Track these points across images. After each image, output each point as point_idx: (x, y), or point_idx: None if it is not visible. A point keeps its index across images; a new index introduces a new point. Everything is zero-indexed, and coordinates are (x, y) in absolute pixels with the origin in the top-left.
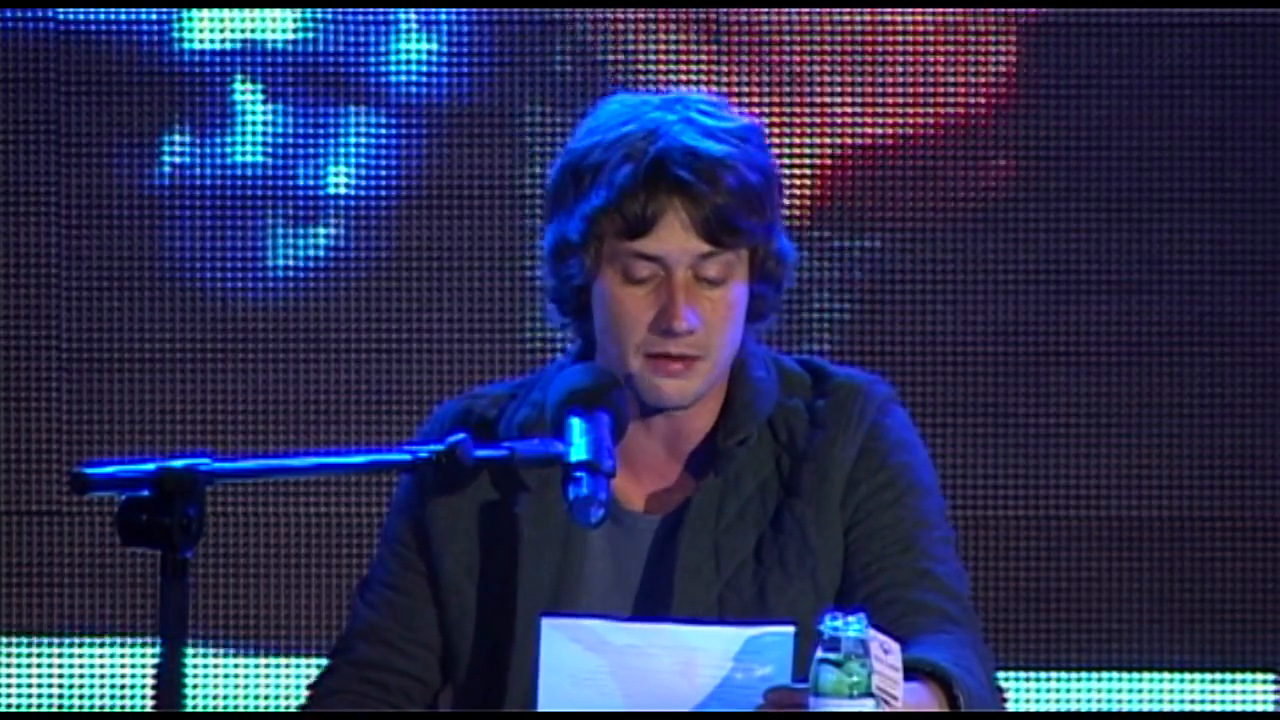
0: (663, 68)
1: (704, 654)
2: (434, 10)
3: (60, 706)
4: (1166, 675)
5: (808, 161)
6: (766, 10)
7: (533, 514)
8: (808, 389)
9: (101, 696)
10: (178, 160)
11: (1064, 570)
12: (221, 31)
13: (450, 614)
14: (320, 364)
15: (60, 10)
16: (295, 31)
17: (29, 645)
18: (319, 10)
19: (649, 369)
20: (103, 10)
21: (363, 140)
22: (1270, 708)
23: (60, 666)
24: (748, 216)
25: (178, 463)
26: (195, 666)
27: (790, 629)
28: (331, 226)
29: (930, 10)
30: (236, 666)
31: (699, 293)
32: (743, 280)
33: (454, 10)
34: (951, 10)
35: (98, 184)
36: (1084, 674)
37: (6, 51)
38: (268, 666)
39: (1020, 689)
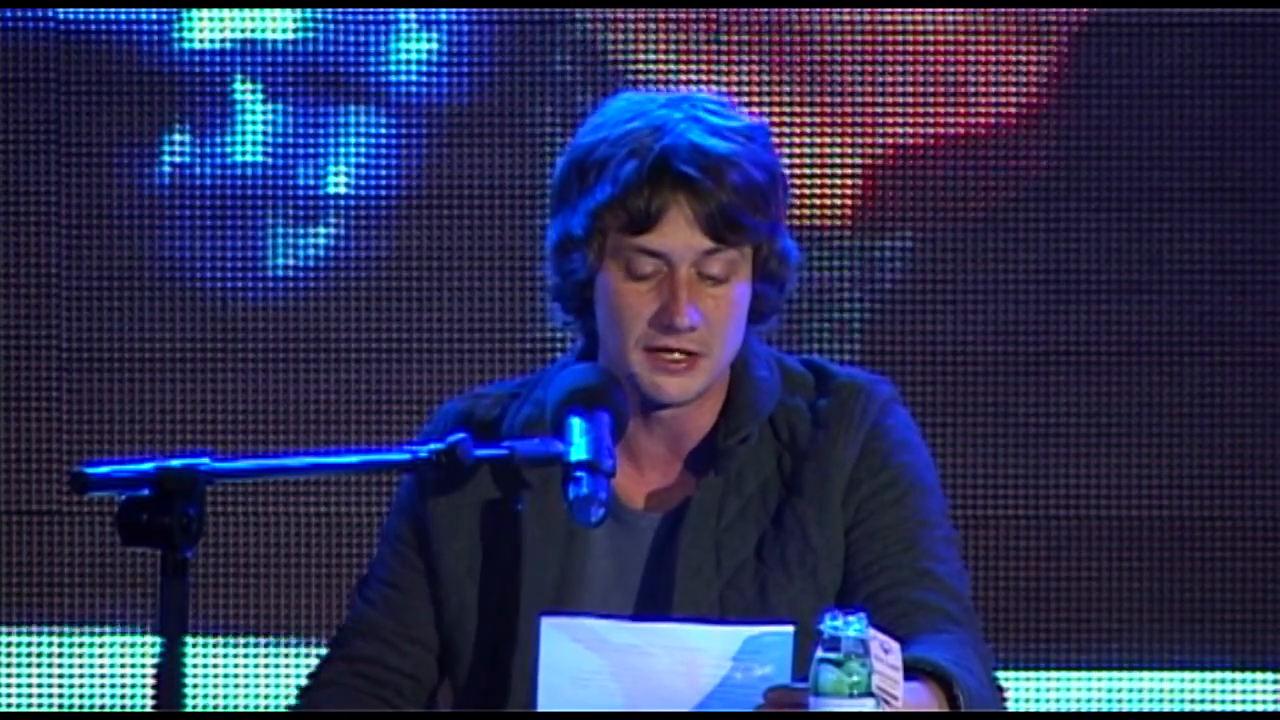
0: (664, 67)
1: (704, 653)
2: (434, 10)
3: (60, 705)
4: (1166, 674)
5: (808, 163)
6: (768, 10)
7: (534, 513)
8: (810, 388)
9: (102, 696)
10: (178, 160)
11: (1064, 570)
12: (221, 31)
13: (450, 612)
14: (320, 364)
15: (60, 10)
16: (295, 31)
17: (29, 644)
18: (319, 10)
19: (649, 365)
20: (103, 10)
21: (363, 140)
22: (1271, 707)
23: (60, 665)
24: (752, 214)
25: (178, 463)
26: (195, 665)
27: (790, 629)
28: (331, 226)
29: (931, 10)
30: (237, 666)
31: (701, 290)
32: (745, 279)
33: (454, 10)
34: (951, 10)
35: (98, 184)
36: (1084, 673)
37: (6, 51)
38: (268, 666)
39: (1020, 687)
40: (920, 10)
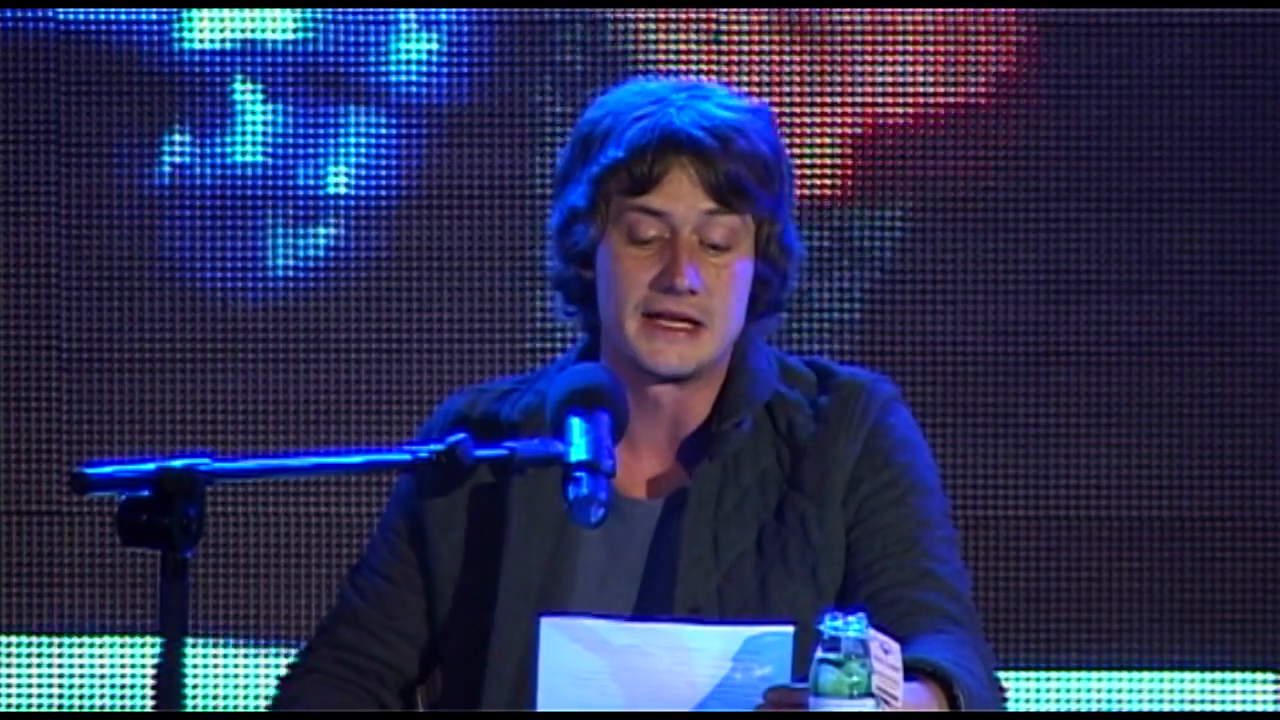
0: (663, 67)
1: (704, 654)
2: (434, 10)
3: (60, 706)
4: (1166, 674)
5: (808, 162)
6: (767, 10)
7: (524, 497)
8: (812, 386)
9: (101, 696)
10: (178, 160)
11: (1064, 570)
12: (221, 31)
13: (442, 604)
14: (320, 364)
15: (60, 10)
16: (295, 31)
17: (29, 644)
18: (319, 10)
19: (648, 332)
20: (103, 10)
21: (363, 140)
22: (1271, 707)
23: (60, 665)
24: (756, 183)
25: (178, 463)
26: (195, 666)
27: (789, 629)
28: (331, 226)
29: (930, 10)
30: (237, 666)
31: (703, 257)
32: (748, 255)
33: (454, 10)
34: (951, 10)
35: (98, 184)
36: (1084, 673)
37: (6, 51)
38: (268, 666)
39: (1021, 687)
40: (920, 10)
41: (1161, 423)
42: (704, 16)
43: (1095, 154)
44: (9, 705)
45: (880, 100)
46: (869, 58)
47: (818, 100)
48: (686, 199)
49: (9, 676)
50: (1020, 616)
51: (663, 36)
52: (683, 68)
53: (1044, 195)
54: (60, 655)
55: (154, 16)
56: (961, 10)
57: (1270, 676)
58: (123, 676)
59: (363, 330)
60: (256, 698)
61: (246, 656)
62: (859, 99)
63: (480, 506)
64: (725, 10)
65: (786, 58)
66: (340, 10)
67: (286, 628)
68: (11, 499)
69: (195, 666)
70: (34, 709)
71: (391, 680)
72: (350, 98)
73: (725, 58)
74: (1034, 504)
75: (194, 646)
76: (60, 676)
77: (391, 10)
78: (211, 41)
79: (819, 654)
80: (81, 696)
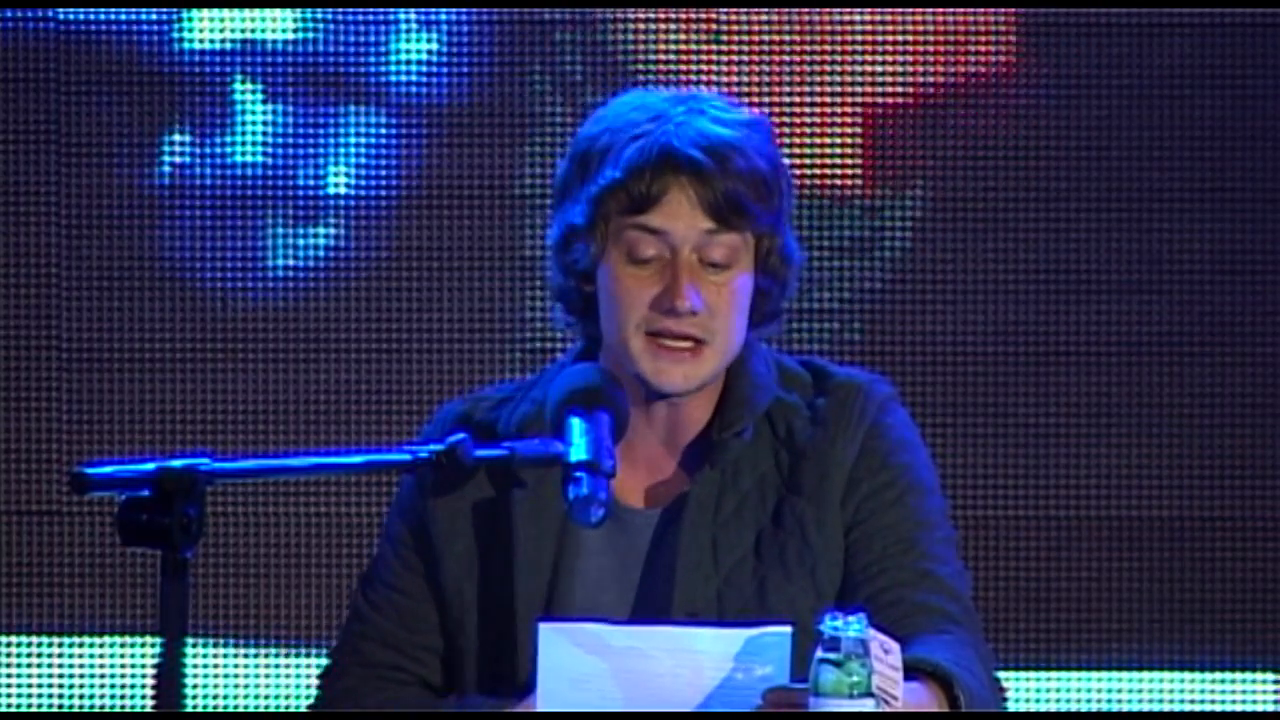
0: (663, 68)
1: (703, 655)
2: (434, 10)
3: (60, 706)
4: (1167, 674)
5: (807, 162)
6: (767, 10)
7: (527, 511)
8: (808, 387)
9: (101, 696)
10: (178, 160)
11: (1064, 570)
12: (221, 31)
13: (452, 614)
14: (320, 364)
15: (60, 10)
16: (295, 31)
17: (29, 644)
18: (319, 10)
19: (651, 351)
20: (103, 10)
21: (363, 140)
22: (1271, 707)
23: (60, 665)
24: (755, 200)
25: (178, 463)
26: (195, 666)
27: (788, 629)
28: (331, 226)
29: (931, 10)
30: (237, 666)
31: (703, 276)
32: (747, 270)
33: (454, 10)
34: (952, 10)
35: (98, 184)
36: (1084, 673)
37: (6, 51)
38: (268, 666)
39: (1021, 687)
40: (920, 10)
41: (1161, 423)
42: (704, 16)
43: (1095, 154)
44: (9, 704)
45: (880, 101)
46: (868, 58)
47: (817, 101)
48: (685, 218)
49: (9, 676)
50: (1020, 616)
51: (663, 37)
52: (683, 68)
53: (1044, 195)
54: (60, 655)
55: (154, 16)
56: (961, 10)
57: (1270, 676)
58: (123, 676)
59: (363, 330)
60: (256, 698)
61: (246, 656)
62: (858, 99)
63: (483, 520)
64: (725, 10)
65: (786, 58)
66: (340, 10)
67: (287, 628)
68: (11, 499)
69: (195, 666)
70: (34, 708)
71: (426, 698)
72: (350, 98)
73: (725, 58)
74: (1034, 504)
75: (194, 646)
76: (60, 676)
77: (391, 10)
78: (211, 41)
79: (819, 654)
80: (81, 696)
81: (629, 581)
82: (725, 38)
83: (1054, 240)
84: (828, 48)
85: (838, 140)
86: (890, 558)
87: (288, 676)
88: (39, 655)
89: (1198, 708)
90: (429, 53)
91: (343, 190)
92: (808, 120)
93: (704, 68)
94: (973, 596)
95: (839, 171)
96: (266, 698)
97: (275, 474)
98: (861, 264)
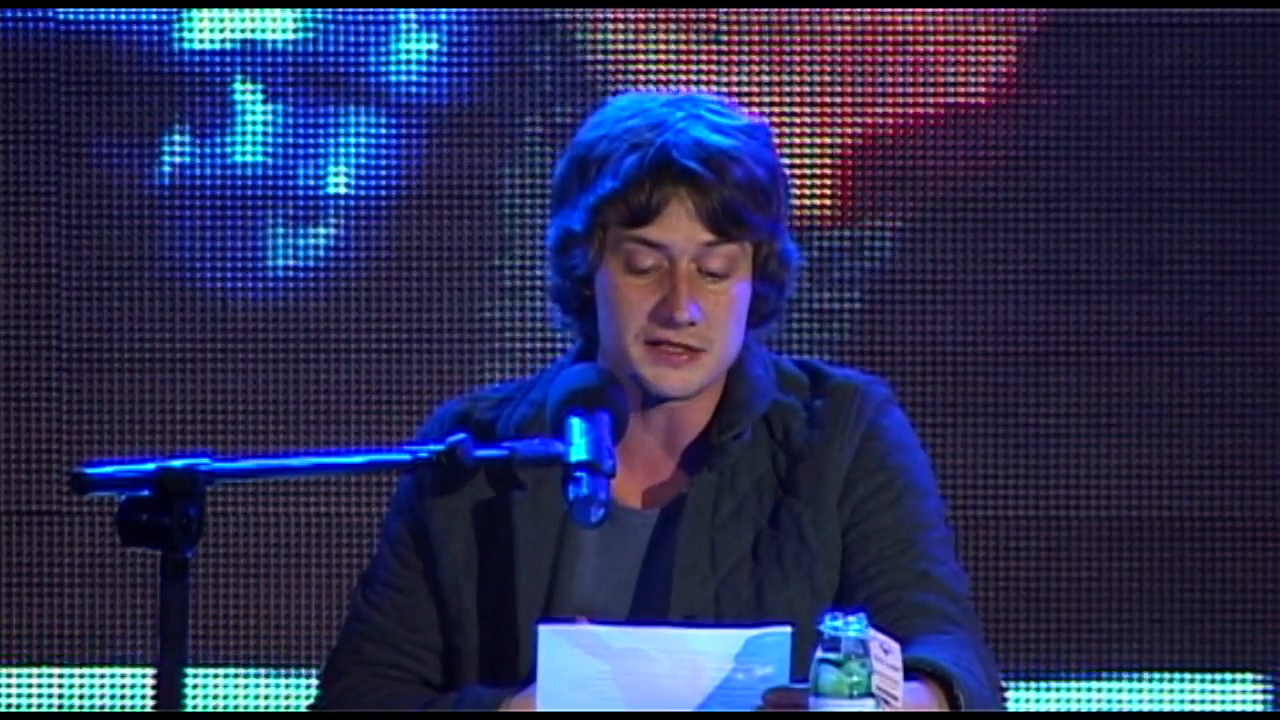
0: (663, 68)
1: (703, 656)
2: (434, 10)
3: (60, 706)
4: (1165, 676)
5: (808, 162)
6: (767, 10)
7: (527, 512)
8: (805, 389)
9: (101, 696)
10: (178, 160)
11: (1064, 570)
12: (221, 31)
13: (450, 613)
14: (320, 364)
15: (60, 10)
16: (295, 31)
17: (29, 645)
18: (319, 10)
19: (650, 358)
20: (103, 10)
21: (363, 140)
22: (1266, 708)
23: (60, 666)
24: (753, 210)
25: (178, 463)
26: (195, 665)
27: (788, 629)
28: (331, 226)
29: (930, 10)
30: (236, 665)
31: (702, 286)
32: (746, 277)
33: (454, 10)
34: (952, 10)
35: (98, 184)
36: (1083, 673)
37: (6, 51)
38: (267, 665)
39: (1020, 687)
40: (920, 10)
41: (1161, 423)
42: (704, 16)
43: (1095, 154)
44: (9, 704)
45: (879, 100)
46: (868, 57)
47: (816, 101)
48: (684, 230)
49: (9, 675)
50: (1020, 617)
51: (663, 36)
52: (683, 68)
53: (1044, 195)
54: (60, 655)
55: (154, 16)
56: (961, 10)
57: (1270, 677)
58: (123, 676)
59: (363, 330)
60: (256, 698)
61: (246, 656)
62: (858, 99)
63: (483, 520)
64: (725, 10)
65: (786, 57)
66: (340, 10)
67: (286, 627)
68: (11, 499)
69: (195, 665)
70: (34, 708)
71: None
72: (350, 98)
73: (725, 58)
74: (1034, 504)
75: (194, 646)
76: (60, 676)
77: (391, 10)
78: (211, 41)
79: (819, 654)
80: (82, 696)
81: (627, 583)
82: (725, 38)
83: (1054, 240)
84: (827, 48)
85: (837, 140)
86: (888, 559)
87: (287, 676)
88: (39, 656)
89: (1195, 708)
90: (429, 53)
91: (343, 190)
92: (807, 120)
93: (703, 68)
94: (972, 597)
95: (839, 171)
96: (266, 698)
97: (275, 474)
98: (861, 264)
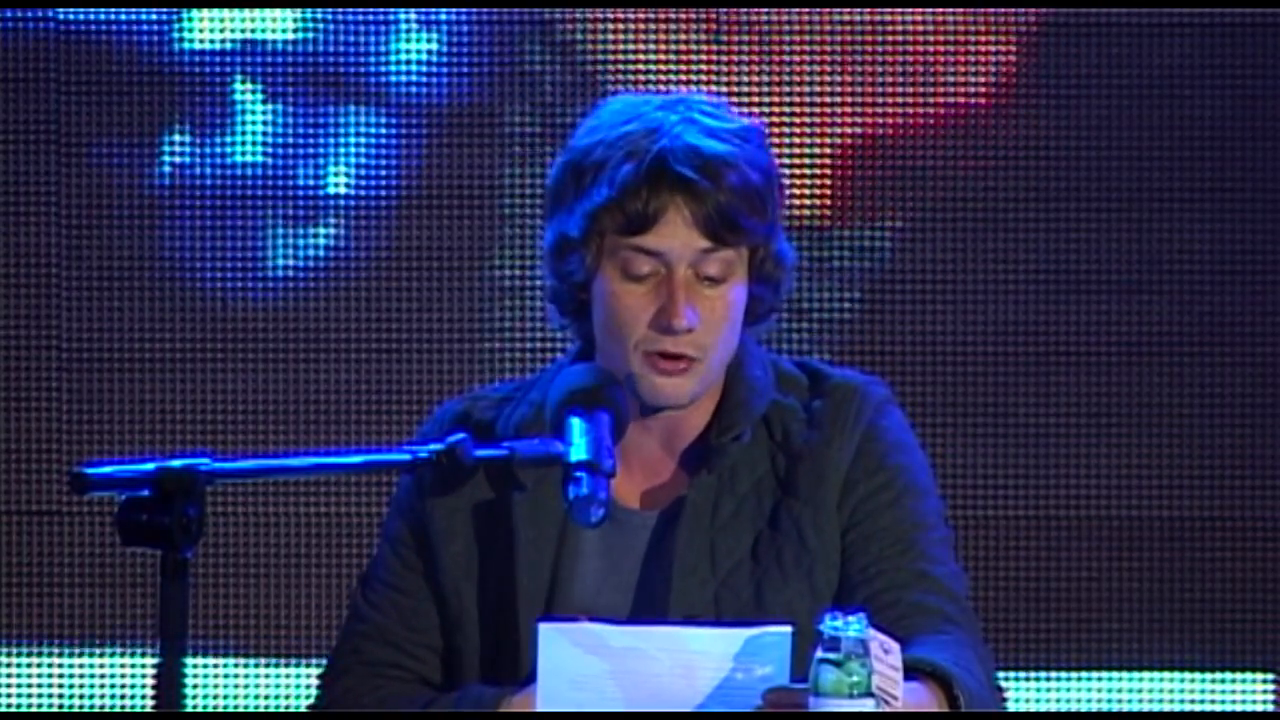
0: (663, 68)
1: (703, 655)
2: (434, 10)
3: (60, 705)
4: (1166, 675)
5: (807, 161)
6: (767, 10)
7: (528, 512)
8: (804, 390)
9: (101, 696)
10: (178, 160)
11: (1064, 570)
12: (221, 31)
13: (451, 613)
14: (320, 364)
15: (60, 10)
16: (295, 31)
17: (29, 644)
18: (319, 10)
19: (647, 368)
20: (103, 10)
21: (363, 140)
22: (1269, 708)
23: (60, 666)
24: (749, 215)
25: (178, 463)
26: (195, 666)
27: (788, 629)
28: (331, 226)
29: (930, 10)
30: (236, 666)
31: (699, 291)
32: (742, 281)
33: (454, 10)
34: (952, 10)
35: (98, 184)
36: (1083, 673)
37: (6, 51)
38: (267, 666)
39: (1020, 687)
40: (919, 10)
41: (1161, 423)
42: (704, 16)
43: (1095, 154)
44: (9, 704)
45: (879, 100)
46: (868, 57)
47: (816, 100)
48: (681, 238)
49: (9, 675)
50: (1020, 617)
51: (662, 37)
52: (682, 68)
53: (1044, 195)
54: (60, 654)
55: (154, 16)
56: (961, 10)
57: (1269, 676)
58: (123, 676)
59: (363, 330)
60: (256, 698)
61: (246, 656)
62: (858, 99)
63: (483, 521)
64: (725, 10)
65: (786, 57)
66: (340, 10)
67: (286, 628)
68: (11, 499)
69: (195, 666)
70: (34, 708)
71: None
72: (350, 98)
73: (725, 58)
74: (1034, 504)
75: (194, 646)
76: (60, 676)
77: (391, 10)
78: (211, 41)
79: (819, 654)
80: (81, 696)
81: (627, 584)
82: (725, 38)
83: (1054, 240)
84: (828, 47)
85: (837, 140)
86: (888, 559)
87: (287, 676)
88: (39, 654)
89: (1197, 708)
90: (429, 53)
91: (343, 190)
92: (806, 120)
93: (703, 68)
94: (971, 597)
95: (839, 170)
96: (266, 698)
97: (275, 474)
98: (860, 263)
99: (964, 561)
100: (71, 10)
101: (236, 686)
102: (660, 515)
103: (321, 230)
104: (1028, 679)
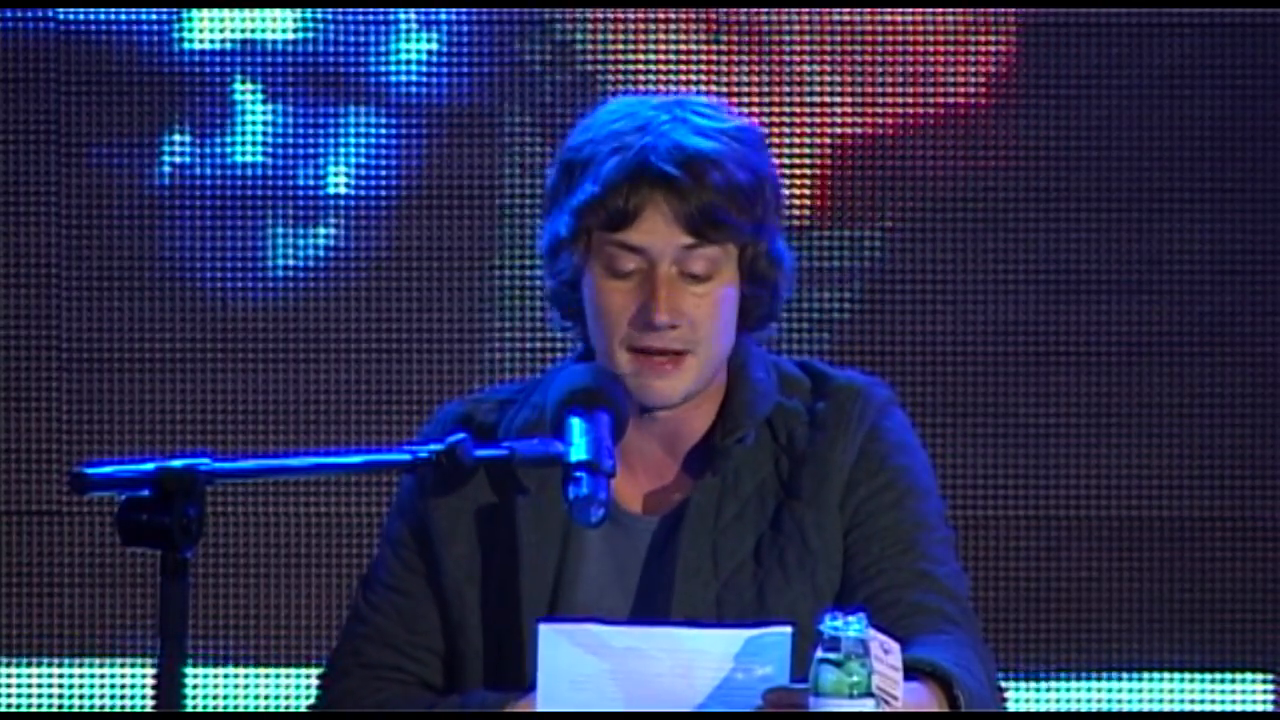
0: (663, 68)
1: (703, 656)
2: (434, 10)
3: (60, 705)
4: (1166, 675)
5: (807, 161)
6: (767, 10)
7: (531, 515)
8: (807, 391)
9: (101, 696)
10: (178, 160)
11: (1064, 570)
12: (221, 31)
13: (453, 615)
14: (320, 364)
15: (60, 10)
16: (295, 31)
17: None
18: (319, 10)
19: (636, 366)
20: (103, 10)
21: (363, 140)
22: (1268, 708)
23: (60, 665)
24: (733, 213)
25: (178, 463)
26: (195, 665)
27: (788, 629)
28: (331, 226)
29: (930, 10)
30: (236, 666)
31: (683, 289)
32: (731, 280)
33: (454, 10)
34: (952, 10)
35: (98, 184)
36: (1083, 673)
37: (6, 51)
38: (267, 666)
39: (1020, 688)
40: (919, 10)
41: (1161, 423)
42: (703, 16)
43: (1095, 154)
44: (9, 704)
45: (878, 100)
46: (866, 57)
47: (815, 100)
48: (662, 234)
49: (9, 674)
50: (1020, 617)
51: (662, 37)
52: (681, 68)
53: (1044, 195)
54: (60, 654)
55: (154, 16)
56: (961, 10)
57: (1269, 676)
58: (123, 676)
59: (363, 330)
60: (256, 698)
61: (246, 656)
62: (857, 99)
63: (486, 523)
64: (724, 10)
65: (785, 57)
66: (340, 10)
67: (286, 628)
68: (11, 499)
69: (195, 666)
70: (34, 708)
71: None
72: (350, 98)
73: (724, 58)
74: (1034, 504)
75: (193, 646)
76: (60, 675)
77: (391, 10)
78: (211, 41)
79: (819, 654)
80: (82, 696)
81: (630, 586)
82: (724, 38)
83: (1054, 240)
84: (826, 48)
85: (837, 140)
86: (889, 559)
87: (287, 676)
88: (39, 654)
89: (1197, 708)
90: (429, 53)
91: (343, 190)
92: (805, 120)
93: (702, 68)
94: (972, 597)
95: (838, 171)
96: (266, 698)
97: (275, 474)
98: (860, 264)
99: (964, 561)
100: (71, 10)
101: (236, 686)
102: (663, 518)
103: (321, 230)
104: (1027, 679)
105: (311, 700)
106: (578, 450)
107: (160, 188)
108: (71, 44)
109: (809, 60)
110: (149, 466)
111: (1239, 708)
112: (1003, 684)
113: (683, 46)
